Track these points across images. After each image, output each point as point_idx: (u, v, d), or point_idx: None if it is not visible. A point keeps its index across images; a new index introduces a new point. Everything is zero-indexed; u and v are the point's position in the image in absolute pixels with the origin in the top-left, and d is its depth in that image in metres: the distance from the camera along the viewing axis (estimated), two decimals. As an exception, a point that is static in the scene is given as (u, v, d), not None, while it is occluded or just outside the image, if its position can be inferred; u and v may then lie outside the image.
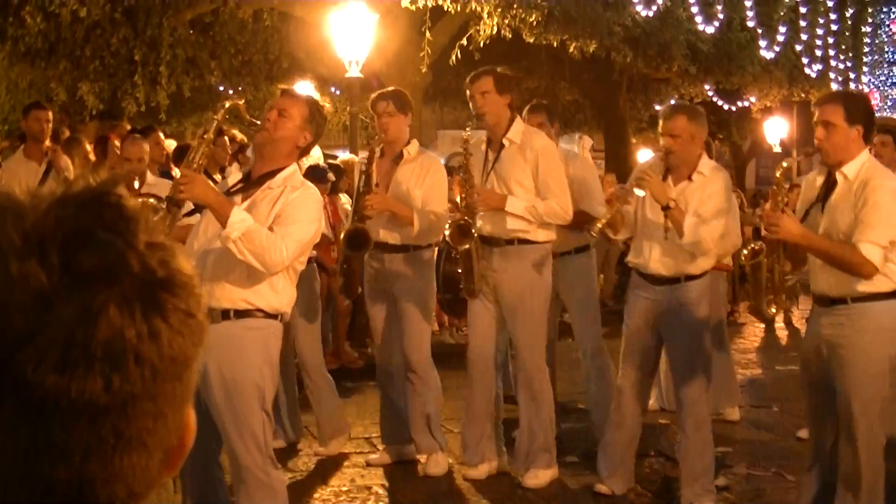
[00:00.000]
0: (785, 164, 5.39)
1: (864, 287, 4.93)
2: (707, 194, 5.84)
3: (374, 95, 6.90)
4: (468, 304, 6.60)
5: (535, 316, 6.44)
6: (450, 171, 12.16)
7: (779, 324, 13.87)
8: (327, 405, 7.15)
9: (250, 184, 4.68)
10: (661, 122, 5.98)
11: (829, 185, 5.08)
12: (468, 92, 6.41)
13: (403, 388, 6.87)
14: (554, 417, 6.63)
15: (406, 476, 6.75)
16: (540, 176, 6.27)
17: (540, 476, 6.44)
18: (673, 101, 6.49)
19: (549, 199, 6.24)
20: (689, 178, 5.90)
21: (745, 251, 5.38)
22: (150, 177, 7.19)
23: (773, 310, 5.28)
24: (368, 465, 6.93)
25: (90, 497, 0.89)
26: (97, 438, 0.88)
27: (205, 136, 4.72)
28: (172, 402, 0.93)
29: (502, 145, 6.35)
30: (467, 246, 6.24)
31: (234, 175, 5.02)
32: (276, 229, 4.44)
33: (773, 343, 12.85)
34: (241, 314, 4.53)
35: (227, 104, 4.88)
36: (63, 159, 8.29)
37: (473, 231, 6.22)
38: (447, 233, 6.35)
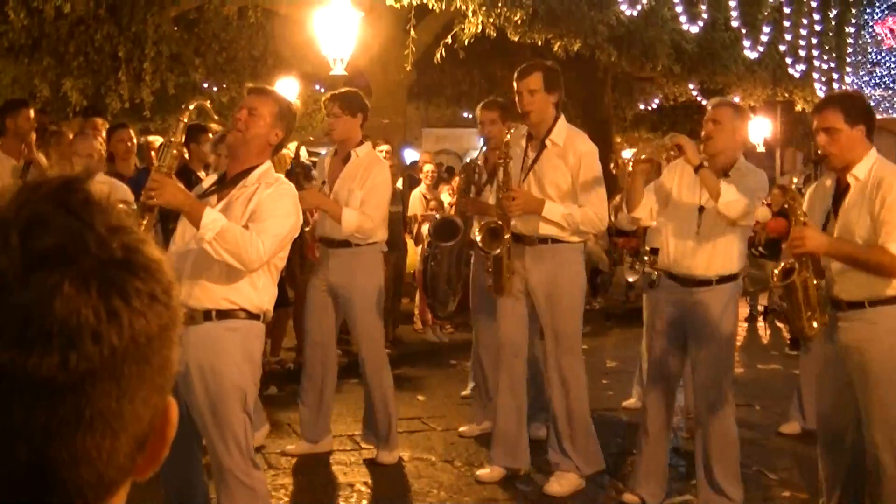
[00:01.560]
0: (796, 180, 5.25)
1: (881, 290, 4.87)
2: (743, 184, 5.62)
3: (325, 96, 7.04)
4: (498, 302, 6.51)
5: (573, 312, 6.39)
6: (449, 171, 12.12)
7: (761, 323, 13.93)
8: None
9: (225, 184, 4.69)
10: (708, 110, 5.83)
11: (841, 189, 4.99)
12: (515, 86, 6.28)
13: (329, 377, 7.00)
14: (589, 420, 6.55)
15: (389, 473, 6.76)
16: (580, 182, 6.20)
17: (563, 485, 6.38)
18: (728, 98, 6.30)
19: (585, 207, 6.18)
20: (726, 175, 5.71)
21: (777, 272, 5.09)
22: (100, 175, 7.09)
23: (815, 325, 5.11)
24: (284, 454, 7.02)
25: (55, 479, 0.89)
26: (57, 417, 0.88)
27: (172, 139, 4.68)
28: (138, 386, 0.92)
29: (544, 145, 6.29)
30: (500, 250, 6.20)
31: (210, 177, 5.02)
32: (252, 226, 4.44)
33: (755, 342, 12.89)
34: (222, 315, 4.53)
35: (192, 105, 4.83)
36: (40, 156, 8.23)
37: (507, 236, 6.17)
38: (478, 237, 6.29)
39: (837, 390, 5.10)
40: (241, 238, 4.37)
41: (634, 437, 7.59)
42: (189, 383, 4.49)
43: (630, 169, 5.76)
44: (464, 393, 8.81)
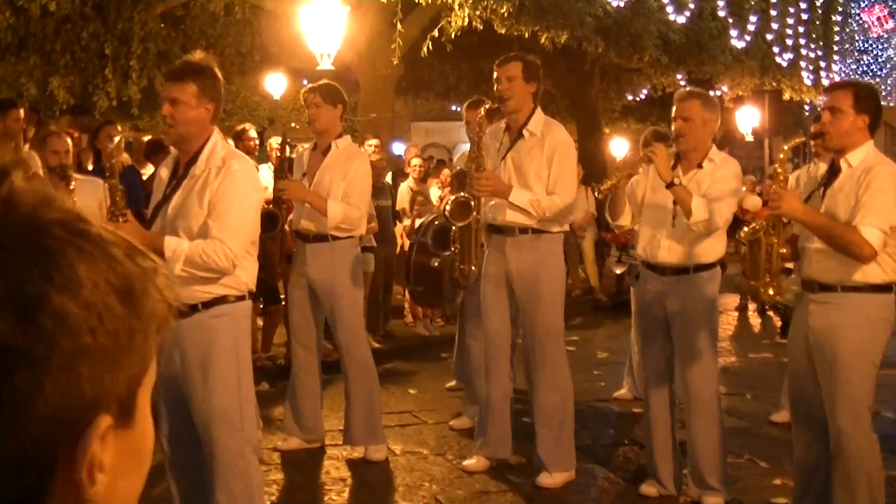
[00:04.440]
0: (786, 147, 5.35)
1: (855, 276, 4.88)
2: (716, 178, 5.72)
3: (304, 89, 7.06)
4: (481, 292, 6.53)
5: (554, 304, 6.38)
6: (438, 164, 12.09)
7: (751, 312, 13.96)
8: None
9: (179, 177, 4.64)
10: (674, 107, 5.86)
11: (833, 172, 5.04)
12: (495, 74, 6.31)
13: (314, 374, 7.01)
14: (573, 411, 6.52)
15: (381, 467, 6.77)
16: (553, 170, 6.21)
17: (555, 477, 6.35)
18: (687, 88, 6.36)
19: (554, 195, 6.18)
20: (699, 166, 5.79)
21: (745, 229, 5.15)
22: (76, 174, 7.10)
23: (771, 292, 5.14)
24: (276, 449, 7.02)
25: None
26: None
27: (110, 182, 4.74)
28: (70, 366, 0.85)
29: (521, 135, 6.30)
30: (466, 222, 6.22)
31: (168, 161, 4.91)
32: (212, 224, 4.44)
33: (746, 331, 12.92)
34: (208, 304, 4.57)
35: (116, 138, 5.07)
36: (33, 155, 8.18)
37: (472, 203, 6.20)
38: (447, 208, 6.33)
39: (807, 365, 5.12)
40: (207, 254, 4.41)
41: (626, 428, 7.64)
42: (186, 374, 4.55)
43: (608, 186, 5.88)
44: (448, 385, 8.80)
